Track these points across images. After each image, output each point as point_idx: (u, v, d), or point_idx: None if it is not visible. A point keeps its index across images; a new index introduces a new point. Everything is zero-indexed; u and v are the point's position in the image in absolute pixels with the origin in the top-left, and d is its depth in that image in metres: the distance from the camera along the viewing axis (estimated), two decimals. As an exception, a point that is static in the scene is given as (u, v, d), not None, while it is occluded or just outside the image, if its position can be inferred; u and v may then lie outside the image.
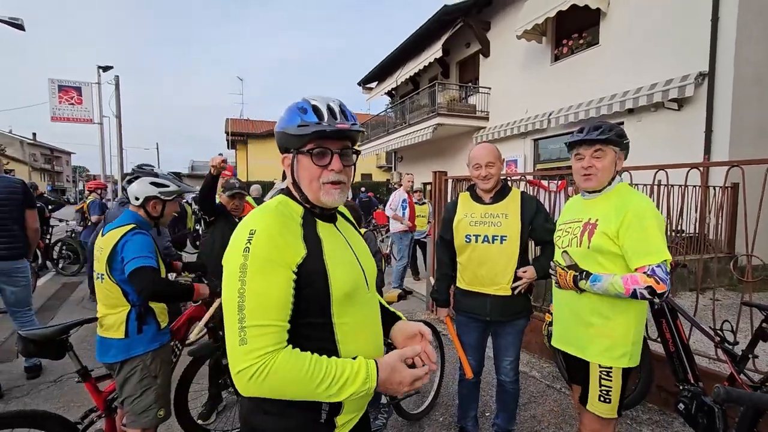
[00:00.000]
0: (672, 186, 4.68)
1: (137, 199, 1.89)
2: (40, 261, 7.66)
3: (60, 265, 7.93)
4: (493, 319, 2.18)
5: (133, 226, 1.83)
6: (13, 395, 3.21)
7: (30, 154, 46.68)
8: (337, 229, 1.12)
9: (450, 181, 4.76)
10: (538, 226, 2.14)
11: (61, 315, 5.34)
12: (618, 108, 7.82)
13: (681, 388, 2.03)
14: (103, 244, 1.80)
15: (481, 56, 12.41)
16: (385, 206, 11.65)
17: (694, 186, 4.96)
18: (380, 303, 1.24)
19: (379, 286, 2.31)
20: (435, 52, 12.14)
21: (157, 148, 49.50)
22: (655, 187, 3.48)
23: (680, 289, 5.33)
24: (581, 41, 9.26)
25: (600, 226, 1.62)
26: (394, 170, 18.92)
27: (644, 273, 1.50)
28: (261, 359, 0.88)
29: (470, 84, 13.22)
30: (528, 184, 4.72)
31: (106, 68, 13.33)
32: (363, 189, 16.19)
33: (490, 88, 12.11)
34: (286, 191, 1.10)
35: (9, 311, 3.40)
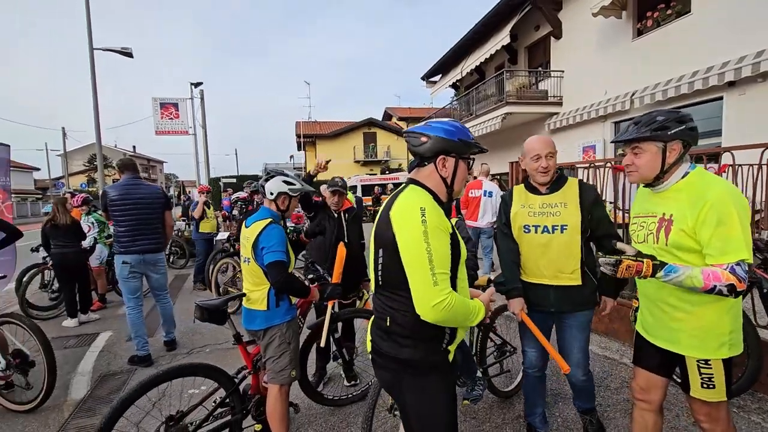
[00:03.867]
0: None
1: (272, 194, 2.29)
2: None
3: (170, 260, 9.16)
4: (557, 310, 2.13)
5: (270, 220, 2.22)
6: (159, 363, 3.92)
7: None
8: None
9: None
10: (598, 217, 2.07)
11: (179, 302, 6.21)
12: (716, 81, 7.11)
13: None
14: (249, 234, 2.22)
15: (552, 38, 11.88)
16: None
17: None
18: None
19: (474, 269, 2.48)
20: (503, 38, 11.85)
21: (236, 154, 53.53)
22: (764, 167, 3.24)
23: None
24: (669, 11, 8.50)
25: (676, 222, 1.55)
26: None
27: (724, 269, 1.44)
28: (448, 295, 1.26)
29: (540, 69, 12.71)
30: (613, 172, 4.57)
31: (197, 84, 15.00)
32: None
33: (562, 71, 11.56)
34: (416, 183, 1.43)
35: (153, 294, 4.13)
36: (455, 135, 1.39)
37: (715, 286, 1.44)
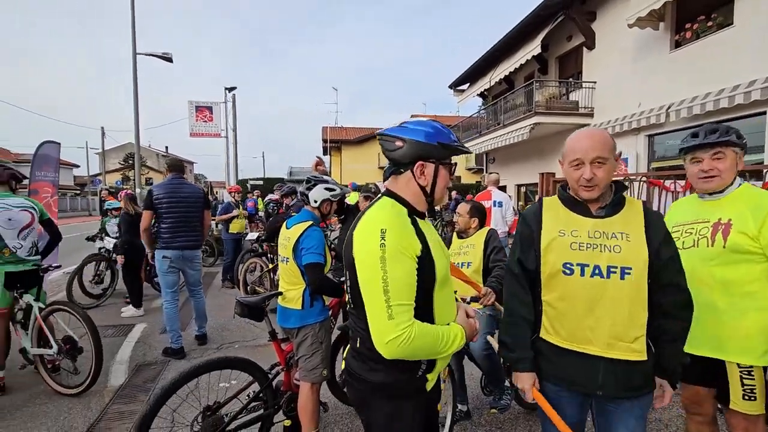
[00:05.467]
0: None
1: (315, 201, 2.40)
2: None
3: (200, 258, 9.47)
4: (606, 393, 1.41)
5: (311, 222, 2.32)
6: (191, 356, 4.07)
7: (164, 164, 55.18)
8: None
9: (559, 184, 4.70)
10: (666, 258, 1.39)
11: (208, 298, 6.39)
12: (758, 96, 6.85)
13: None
14: (290, 235, 2.32)
15: (584, 49, 11.70)
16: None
17: None
18: None
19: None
20: (533, 48, 11.77)
21: (263, 157, 54.83)
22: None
23: None
24: (710, 23, 8.26)
25: (736, 225, 1.62)
26: (486, 172, 18.62)
27: None
28: (405, 330, 1.13)
29: (571, 79, 12.53)
30: (648, 185, 4.48)
31: (231, 88, 15.55)
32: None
33: (595, 83, 11.36)
34: (390, 194, 1.32)
35: (187, 289, 4.31)
36: (434, 138, 1.25)
37: None
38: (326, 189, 2.41)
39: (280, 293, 2.39)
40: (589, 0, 11.14)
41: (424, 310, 1.24)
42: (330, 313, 2.66)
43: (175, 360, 3.93)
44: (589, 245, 1.41)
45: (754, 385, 1.61)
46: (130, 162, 44.80)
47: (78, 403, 3.10)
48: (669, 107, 8.74)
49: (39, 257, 3.33)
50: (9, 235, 3.10)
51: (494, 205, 6.18)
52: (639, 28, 9.28)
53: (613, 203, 1.45)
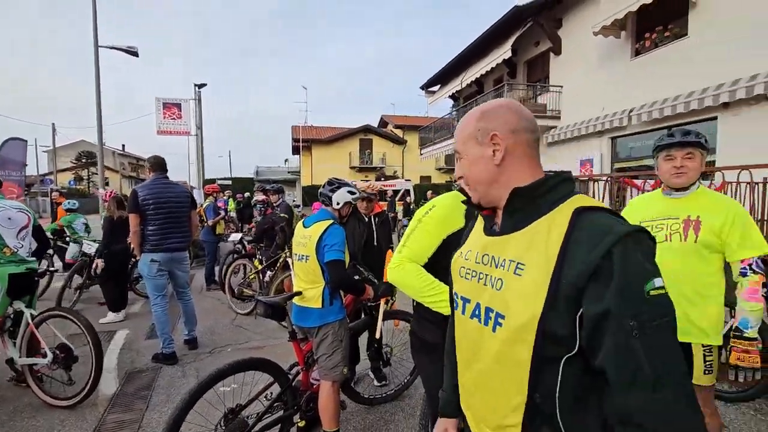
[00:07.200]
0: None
1: (338, 203, 2.45)
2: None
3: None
4: None
5: (332, 221, 2.36)
6: (183, 362, 3.94)
7: (120, 163, 52.44)
8: None
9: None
10: (595, 320, 0.77)
11: (190, 301, 6.20)
12: (710, 102, 7.46)
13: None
14: (309, 233, 2.33)
15: (551, 54, 12.25)
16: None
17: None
18: None
19: None
20: (504, 52, 12.18)
21: (230, 156, 53.16)
22: (749, 186, 3.47)
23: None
24: (667, 33, 8.90)
25: (704, 222, 1.79)
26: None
27: (748, 266, 1.76)
28: (400, 261, 1.58)
29: (539, 83, 13.08)
30: (621, 184, 4.80)
31: (201, 85, 15.01)
32: (430, 191, 16.55)
33: (561, 87, 11.92)
34: (460, 187, 1.61)
35: (176, 291, 4.17)
36: None
37: (762, 295, 1.74)
38: (349, 192, 2.48)
39: (299, 293, 2.39)
40: (557, 7, 11.67)
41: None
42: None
43: (167, 366, 3.80)
44: (473, 273, 0.97)
45: (713, 361, 1.86)
46: (83, 161, 42.18)
47: (70, 415, 2.94)
48: (630, 111, 9.33)
49: (35, 259, 3.21)
50: (9, 234, 3.05)
51: None
52: (603, 36, 9.83)
53: (515, 210, 0.90)
